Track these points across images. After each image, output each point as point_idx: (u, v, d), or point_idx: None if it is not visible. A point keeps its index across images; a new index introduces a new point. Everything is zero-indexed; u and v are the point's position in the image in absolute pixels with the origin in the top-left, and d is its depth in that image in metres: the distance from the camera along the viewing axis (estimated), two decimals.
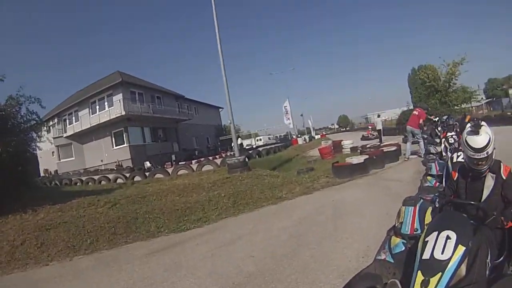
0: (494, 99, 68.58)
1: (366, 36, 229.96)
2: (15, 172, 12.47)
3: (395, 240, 3.72)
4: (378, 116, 30.67)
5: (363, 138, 31.92)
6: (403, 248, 3.55)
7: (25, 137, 13.98)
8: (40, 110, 14.78)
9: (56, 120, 42.47)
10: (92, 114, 39.45)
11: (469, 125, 3.39)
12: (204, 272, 6.04)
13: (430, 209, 3.92)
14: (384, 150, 15.58)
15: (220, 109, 65.90)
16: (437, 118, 16.53)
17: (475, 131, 3.23)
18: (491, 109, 54.59)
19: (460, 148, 7.33)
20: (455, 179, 3.67)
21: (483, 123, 3.34)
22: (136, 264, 7.23)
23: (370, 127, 32.06)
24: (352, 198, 9.65)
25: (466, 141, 3.30)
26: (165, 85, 48.69)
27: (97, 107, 39.24)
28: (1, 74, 12.84)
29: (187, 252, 7.47)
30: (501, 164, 3.39)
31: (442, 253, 2.58)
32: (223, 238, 8.10)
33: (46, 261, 8.38)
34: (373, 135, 28.67)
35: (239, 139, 51.24)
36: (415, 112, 15.41)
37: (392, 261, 3.46)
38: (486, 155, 3.21)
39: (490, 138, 3.21)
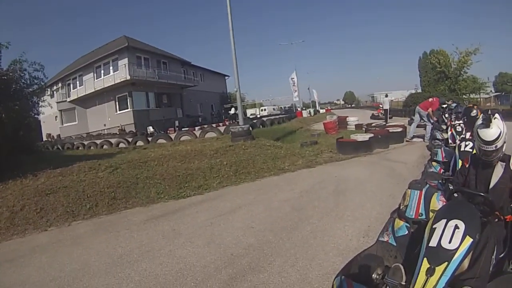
0: (503, 93, 67.70)
1: (379, 19, 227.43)
2: (16, 137, 12.44)
3: (399, 223, 3.65)
4: (386, 95, 30.32)
5: (373, 116, 31.50)
6: (406, 232, 3.49)
7: (27, 102, 13.91)
8: (43, 76, 14.69)
9: (60, 85, 42.31)
10: (96, 78, 39.21)
11: (481, 116, 3.34)
12: (202, 241, 6.04)
13: (435, 195, 3.85)
14: (390, 131, 15.44)
15: (226, 77, 65.44)
16: (445, 105, 16.45)
17: (487, 124, 3.19)
18: (499, 103, 53.79)
19: (468, 137, 7.27)
20: (466, 166, 3.60)
21: (496, 116, 3.27)
22: (134, 230, 7.24)
23: (380, 105, 31.51)
24: (355, 176, 9.57)
25: (477, 132, 3.26)
26: (171, 51, 48.01)
27: (102, 71, 38.97)
28: (6, 41, 12.79)
29: (186, 220, 7.47)
30: (511, 157, 3.32)
31: (450, 242, 2.49)
32: (223, 207, 8.09)
33: (45, 227, 8.38)
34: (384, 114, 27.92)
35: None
36: (430, 99, 15.37)
37: (395, 244, 3.40)
38: (495, 148, 3.18)
39: (501, 132, 3.16)
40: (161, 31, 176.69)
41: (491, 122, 3.15)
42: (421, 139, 15.00)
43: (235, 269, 4.77)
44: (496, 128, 3.14)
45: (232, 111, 34.21)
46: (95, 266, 5.62)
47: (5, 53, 12.85)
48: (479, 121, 3.26)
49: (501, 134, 3.14)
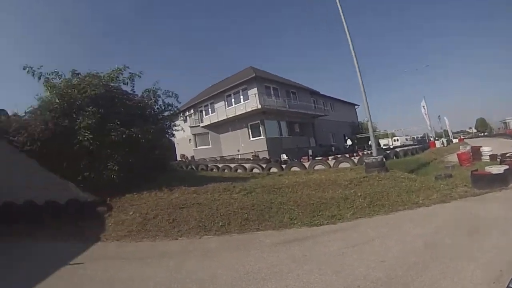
0: None
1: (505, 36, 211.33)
2: (152, 155, 13.66)
3: None
4: None
5: None
6: None
7: (162, 125, 15.24)
8: (176, 103, 16.53)
9: (192, 111, 45.20)
10: (228, 106, 41.08)
11: None
12: (331, 270, 6.11)
13: None
14: None
15: (356, 106, 65.17)
16: None
17: None
18: None
19: None
20: None
21: None
22: (265, 251, 7.54)
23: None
24: (492, 214, 9.00)
25: None
26: (298, 82, 48.85)
27: (233, 100, 40.73)
28: (139, 71, 14.52)
29: (317, 247, 7.59)
30: None
31: None
32: (356, 238, 8.08)
33: (176, 236, 9.08)
34: None
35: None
36: None
37: None
38: None
39: None
40: (287, 63, 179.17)
41: None
42: None
43: None
44: None
45: (349, 142, 33.49)
46: (221, 279, 6.01)
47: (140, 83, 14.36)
48: None
49: None
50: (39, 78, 12.98)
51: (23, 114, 13.47)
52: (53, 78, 13.19)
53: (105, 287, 5.83)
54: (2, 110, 14.48)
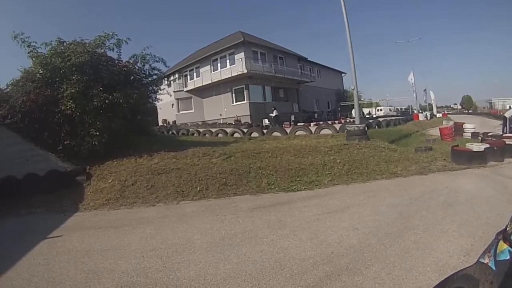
0: None
1: (500, 20, 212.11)
2: (134, 120, 13.54)
3: (502, 245, 3.51)
4: (510, 107, 28.25)
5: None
6: (508, 257, 3.34)
7: (146, 90, 15.11)
8: (163, 67, 16.45)
9: (177, 75, 44.46)
10: (213, 71, 40.69)
11: None
12: (306, 236, 6.18)
13: None
14: (506, 142, 14.34)
15: (343, 74, 64.98)
16: None
17: None
18: None
19: None
20: None
21: None
22: (240, 216, 7.59)
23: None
24: (466, 189, 9.15)
25: None
26: (288, 47, 48.44)
27: (219, 64, 40.32)
28: (127, 37, 14.16)
29: (293, 213, 7.66)
30: None
31: None
32: (332, 205, 8.18)
33: (153, 202, 9.08)
34: None
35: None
36: None
37: (494, 268, 3.29)
38: None
39: None
40: (278, 27, 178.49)
41: None
42: None
43: (332, 267, 4.86)
44: None
45: (274, 113, 33.25)
46: (196, 244, 6.02)
47: (128, 47, 14.08)
48: None
49: None
50: (29, 47, 12.69)
51: (5, 87, 13.33)
52: (39, 47, 12.92)
53: (83, 259, 5.78)
54: None
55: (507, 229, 3.79)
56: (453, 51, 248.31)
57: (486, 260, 3.40)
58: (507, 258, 3.32)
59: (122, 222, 7.76)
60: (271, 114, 33.95)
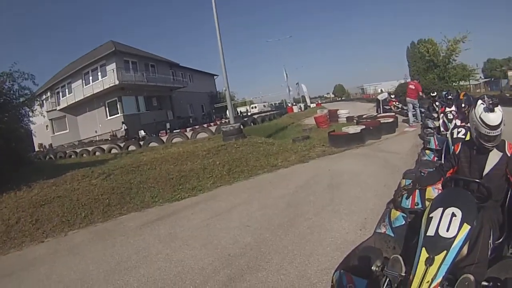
0: (493, 79, 67.50)
1: (365, 10, 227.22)
2: (8, 149, 12.36)
3: (395, 213, 3.62)
4: (382, 91, 30.43)
5: (385, 110, 28.14)
6: (403, 222, 3.47)
7: (17, 112, 13.94)
8: (33, 86, 14.86)
9: (49, 94, 42.17)
10: (85, 85, 39.06)
11: (481, 102, 3.28)
12: (199, 243, 6.04)
13: None
14: (381, 121, 15.51)
15: (215, 77, 65.17)
16: (435, 93, 16.74)
17: (491, 109, 3.11)
18: (489, 89, 53.37)
19: (461, 124, 7.26)
20: (457, 152, 3.55)
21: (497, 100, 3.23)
22: (130, 236, 7.23)
23: (393, 96, 29.69)
24: (349, 168, 9.58)
25: (481, 118, 3.17)
26: (159, 53, 48.11)
27: (90, 78, 38.84)
28: None
29: (182, 222, 7.48)
30: (506, 142, 3.30)
31: (447, 230, 2.47)
32: (218, 207, 8.10)
33: (42, 238, 8.35)
34: (398, 107, 25.04)
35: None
36: (411, 86, 16.72)
37: (393, 235, 3.38)
38: (499, 133, 3.13)
39: (502, 116, 3.12)
40: (148, 35, 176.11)
41: (496, 106, 3.13)
42: (413, 128, 15.57)
43: (233, 269, 4.77)
44: (499, 112, 3.11)
45: (123, 127, 33.83)
46: (93, 275, 5.62)
47: None
48: (481, 106, 3.22)
49: (503, 118, 3.12)
50: None
51: None
52: None
53: None
54: None
55: (397, 197, 3.91)
56: (323, 43, 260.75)
57: (383, 230, 3.49)
58: (402, 223, 3.43)
59: (15, 267, 7.06)
60: (121, 130, 33.65)
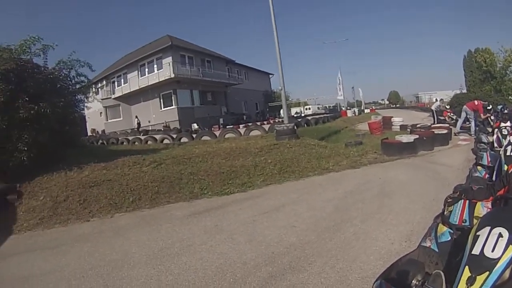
0: None
1: (422, 15, 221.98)
2: (62, 132, 12.75)
3: (442, 228, 3.54)
4: (436, 100, 29.66)
5: (439, 121, 24.92)
6: (449, 238, 3.36)
7: (73, 98, 14.32)
8: (90, 73, 15.36)
9: (104, 82, 43.39)
10: (141, 76, 40.11)
11: None
12: (244, 238, 6.07)
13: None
14: (435, 132, 15.03)
15: (270, 75, 65.41)
16: (491, 107, 16.12)
17: None
18: None
19: None
20: (510, 172, 3.44)
21: None
22: (176, 224, 7.35)
23: (447, 107, 28.86)
24: (400, 178, 9.41)
25: None
26: (215, 49, 48.47)
27: (146, 69, 39.82)
28: (53, 42, 13.28)
29: (229, 216, 7.52)
30: None
31: (493, 251, 2.37)
32: (267, 205, 8.08)
33: (88, 217, 8.60)
34: (452, 119, 23.34)
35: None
36: (476, 102, 15.95)
37: (437, 250, 3.30)
38: None
39: None
40: (205, 30, 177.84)
41: None
42: (466, 142, 14.93)
43: (275, 267, 4.77)
44: None
45: (136, 121, 34.08)
46: (135, 257, 5.74)
47: (53, 52, 13.29)
48: None
49: None
50: None
51: None
52: None
53: (23, 287, 5.41)
54: None
55: (445, 212, 3.84)
56: (380, 49, 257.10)
57: (428, 244, 3.41)
58: (448, 239, 3.35)
59: (59, 241, 7.31)
60: (135, 124, 34.17)
